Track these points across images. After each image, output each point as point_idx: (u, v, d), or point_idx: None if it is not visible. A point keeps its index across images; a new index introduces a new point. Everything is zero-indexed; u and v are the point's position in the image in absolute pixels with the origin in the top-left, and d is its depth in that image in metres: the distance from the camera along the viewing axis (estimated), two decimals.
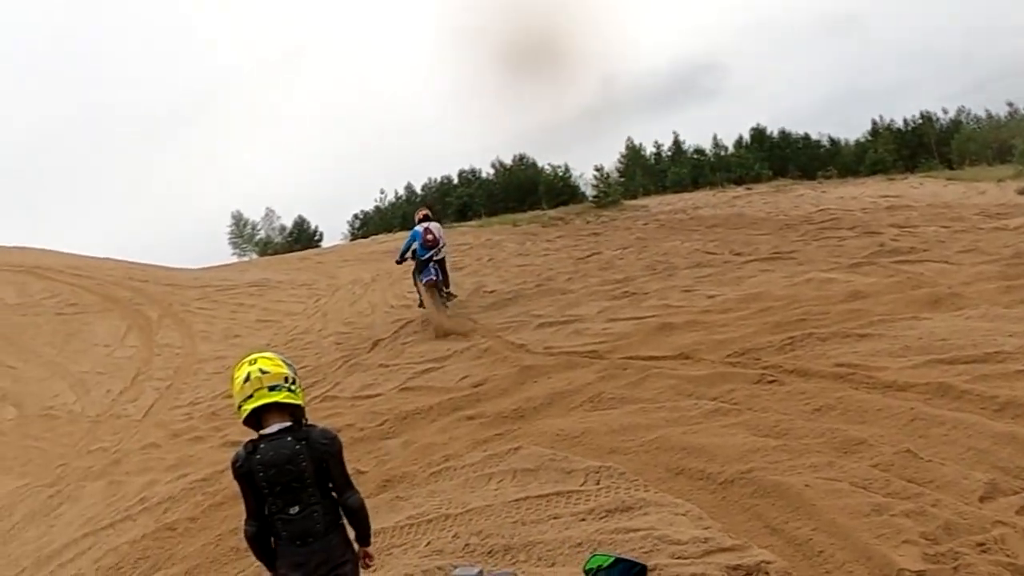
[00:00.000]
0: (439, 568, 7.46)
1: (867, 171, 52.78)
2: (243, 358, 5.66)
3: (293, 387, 5.51)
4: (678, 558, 6.62)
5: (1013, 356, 9.98)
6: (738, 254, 21.09)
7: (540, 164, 67.91)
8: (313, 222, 75.48)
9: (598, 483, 8.69)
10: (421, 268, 19.49)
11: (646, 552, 6.84)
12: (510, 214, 45.12)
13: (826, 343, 11.87)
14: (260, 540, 5.56)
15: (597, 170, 47.94)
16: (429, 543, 8.29)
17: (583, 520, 7.88)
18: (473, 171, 70.55)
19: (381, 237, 31.94)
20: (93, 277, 34.73)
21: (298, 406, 5.56)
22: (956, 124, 68.12)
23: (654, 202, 42.40)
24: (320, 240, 70.65)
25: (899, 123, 68.92)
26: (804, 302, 14.43)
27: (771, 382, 10.81)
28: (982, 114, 69.30)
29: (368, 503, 9.06)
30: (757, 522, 7.48)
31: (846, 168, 56.28)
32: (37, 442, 19.25)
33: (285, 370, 5.52)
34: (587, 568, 2.89)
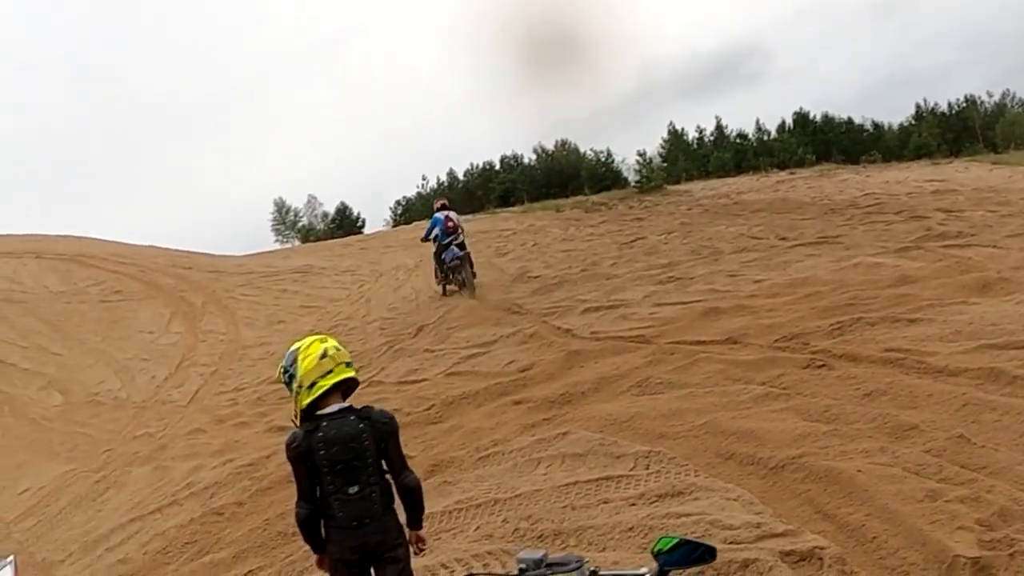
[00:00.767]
0: (489, 553, 7.46)
1: (911, 155, 52.17)
2: (305, 339, 5.62)
3: (353, 364, 5.56)
4: (731, 543, 6.59)
5: None
6: (783, 239, 20.95)
7: (582, 150, 68.06)
8: (355, 208, 75.70)
9: (648, 468, 8.66)
10: (443, 250, 21.95)
11: (698, 537, 6.81)
12: (552, 199, 44.93)
13: (875, 328, 11.77)
14: (313, 523, 5.52)
15: (640, 155, 47.85)
16: (478, 528, 8.29)
17: (633, 505, 7.86)
18: (515, 157, 70.65)
19: (424, 223, 32.05)
20: (137, 264, 34.95)
21: (351, 389, 5.59)
22: (1001, 108, 67.32)
23: (697, 187, 42.20)
24: (362, 227, 70.61)
25: (943, 107, 68.63)
26: (852, 287, 14.32)
27: (820, 367, 10.74)
28: None
29: None
30: (809, 507, 7.43)
31: (890, 152, 55.78)
32: (83, 428, 19.42)
33: (345, 348, 5.59)
34: (654, 550, 2.84)
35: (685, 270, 18.76)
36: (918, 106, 69.45)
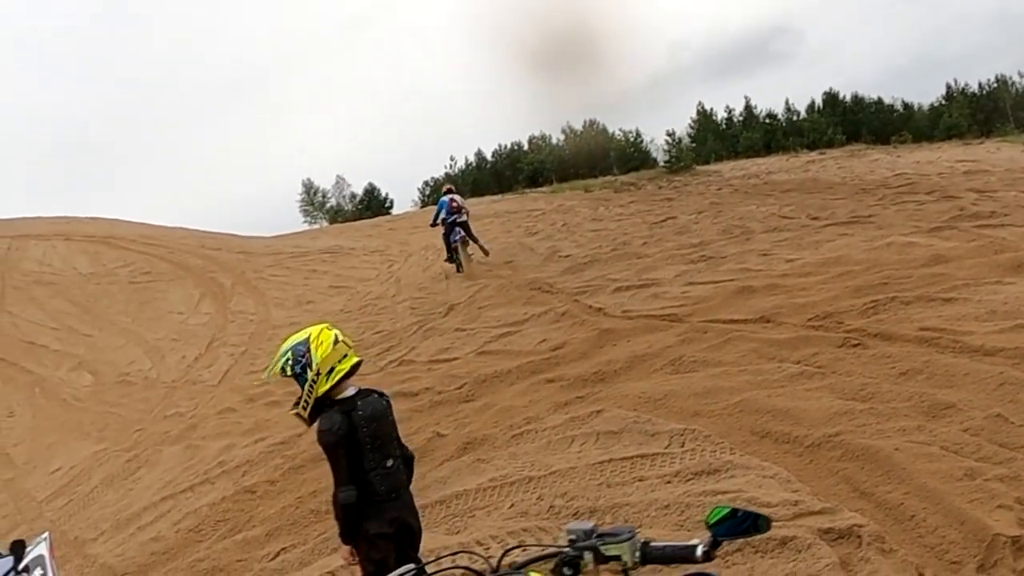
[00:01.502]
0: (524, 530, 7.46)
1: (942, 136, 51.68)
2: (308, 330, 5.75)
3: None
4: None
5: None
6: (815, 218, 20.82)
7: (611, 130, 67.86)
8: (383, 189, 75.60)
9: (682, 446, 8.65)
10: (450, 230, 24.04)
11: None
12: (581, 180, 44.81)
13: (909, 307, 11.68)
14: (359, 506, 5.60)
15: (669, 135, 47.58)
16: (513, 505, 8.30)
17: (669, 483, 7.85)
18: (543, 137, 70.47)
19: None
20: (165, 246, 35.14)
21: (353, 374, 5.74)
22: None
23: (726, 167, 42.01)
24: (391, 207, 70.35)
25: (973, 87, 68.05)
26: (885, 266, 14.20)
27: (855, 346, 10.68)
28: None
29: (449, 466, 9.17)
30: (846, 486, 7.41)
31: (920, 133, 55.29)
32: (114, 408, 19.55)
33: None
34: (707, 520, 2.83)
35: (716, 249, 18.67)
36: (948, 86, 68.75)
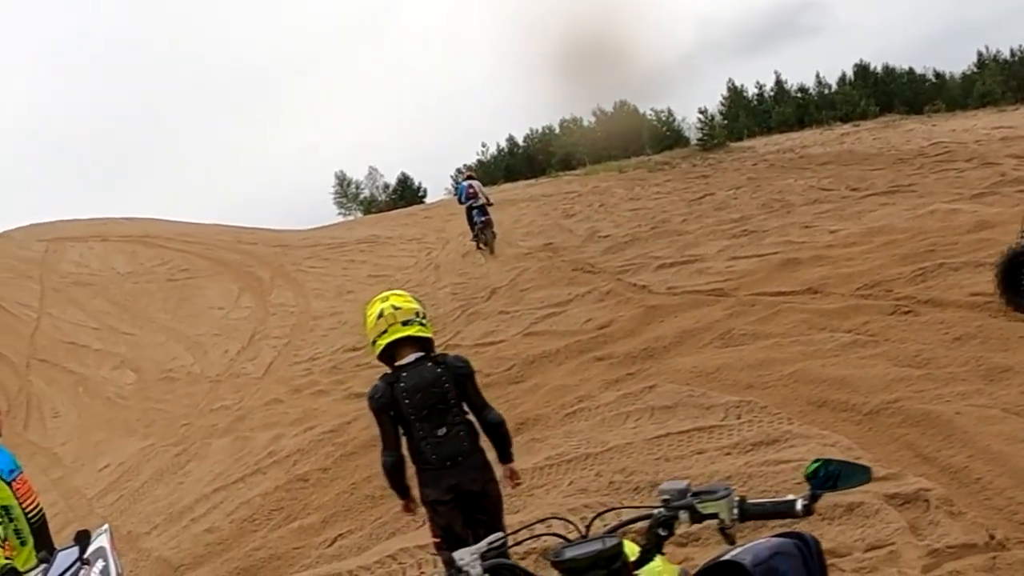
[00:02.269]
0: (585, 506, 7.42)
1: (976, 104, 51.18)
2: (375, 297, 5.84)
3: (424, 321, 5.68)
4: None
5: None
6: (855, 189, 20.70)
7: (642, 110, 67.63)
8: (416, 178, 75.63)
9: (739, 417, 8.60)
10: (471, 213, 25.91)
11: (798, 483, 6.68)
12: (614, 161, 44.61)
13: (958, 273, 11.58)
14: (399, 470, 5.73)
15: (701, 113, 47.33)
16: (571, 482, 8.27)
17: (728, 454, 7.81)
18: (575, 120, 70.28)
19: (487, 190, 32.03)
20: (202, 242, 35.28)
21: (429, 339, 5.72)
22: None
23: (760, 143, 41.79)
24: (424, 196, 70.27)
25: (1005, 54, 67.41)
26: (930, 233, 14.09)
27: (906, 313, 10.62)
28: None
29: None
30: (908, 451, 7.33)
31: (953, 102, 54.77)
32: (159, 404, 19.66)
33: (416, 305, 5.71)
34: (806, 473, 2.78)
35: (758, 223, 18.59)
36: (979, 54, 68.08)
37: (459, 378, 5.64)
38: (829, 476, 2.84)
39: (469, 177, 28.50)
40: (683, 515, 2.83)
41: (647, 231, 20.85)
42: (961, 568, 5.46)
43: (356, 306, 22.79)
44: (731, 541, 2.87)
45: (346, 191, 76.34)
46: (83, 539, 5.12)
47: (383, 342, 5.58)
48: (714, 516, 2.80)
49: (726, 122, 58.04)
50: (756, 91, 68.64)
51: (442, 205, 46.06)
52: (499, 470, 5.86)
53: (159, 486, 14.17)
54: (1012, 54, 66.59)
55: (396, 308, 5.58)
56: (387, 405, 5.57)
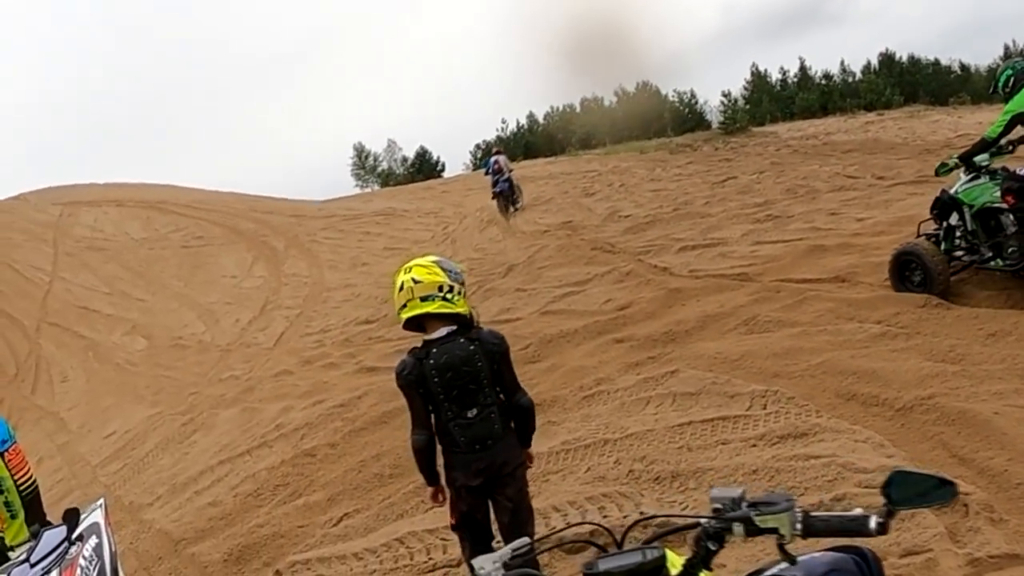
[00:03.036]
0: (604, 495, 7.12)
1: (1002, 98, 50.83)
2: (402, 265, 5.51)
3: (449, 295, 5.27)
4: (866, 487, 6.20)
5: None
6: (881, 178, 20.28)
7: (663, 91, 67.29)
8: (435, 153, 75.54)
9: (764, 407, 8.28)
10: (494, 185, 28.01)
11: (830, 480, 6.45)
12: (635, 141, 44.30)
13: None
14: (430, 451, 5.44)
15: (724, 96, 47.04)
16: (589, 469, 7.96)
17: (754, 446, 7.49)
18: (596, 99, 70.08)
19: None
20: (217, 210, 35.21)
21: (455, 315, 5.33)
22: None
23: (783, 128, 41.41)
24: (442, 171, 70.24)
25: None
26: None
27: (937, 306, 10.26)
28: None
29: None
30: (943, 451, 7.03)
31: (978, 95, 54.36)
32: (168, 371, 19.50)
33: (440, 278, 5.28)
34: (884, 488, 2.49)
35: (782, 208, 18.22)
36: (1006, 47, 67.91)
37: (493, 356, 5.32)
38: (908, 490, 2.55)
39: (498, 152, 30.62)
40: (737, 528, 2.53)
41: (669, 212, 20.50)
42: None
43: (370, 278, 22.71)
44: (792, 561, 2.58)
45: (364, 163, 76.45)
46: (72, 518, 4.86)
47: (403, 316, 5.31)
48: (772, 531, 2.50)
49: (748, 106, 57.70)
50: (780, 76, 68.43)
51: (460, 180, 45.92)
52: None
53: (164, 456, 13.93)
54: None
55: (416, 282, 5.23)
56: (416, 382, 5.27)
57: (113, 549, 5.44)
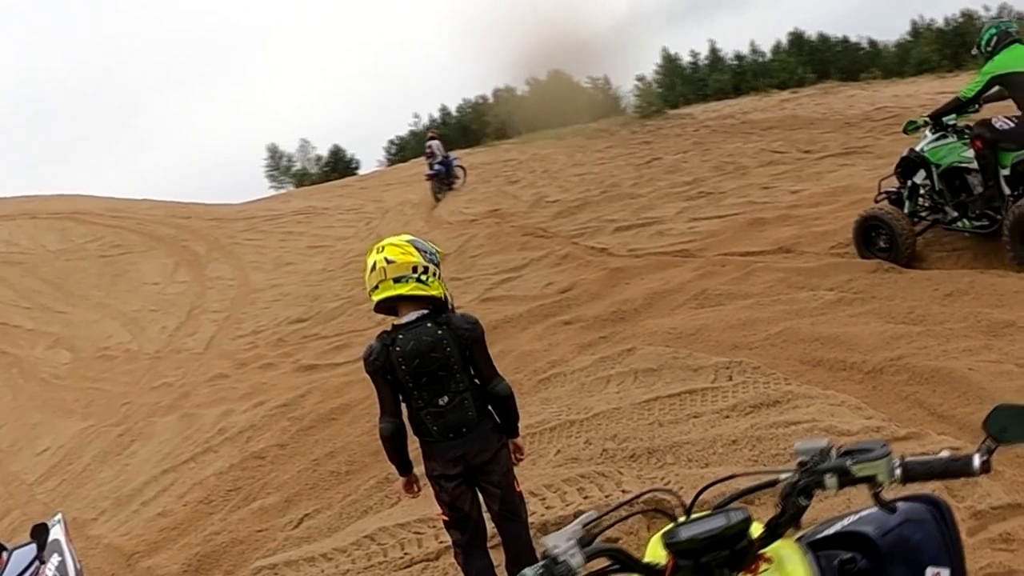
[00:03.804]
0: (582, 476, 6.89)
1: (912, 71, 51.49)
2: (374, 244, 5.20)
3: (423, 277, 4.97)
4: None
5: None
6: (807, 152, 20.31)
7: (575, 78, 67.57)
8: (349, 150, 75.27)
9: (730, 379, 8.15)
10: (430, 168, 29.62)
11: None
12: (551, 129, 44.22)
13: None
14: (399, 439, 5.12)
15: (639, 80, 47.14)
16: (559, 451, 7.74)
17: (727, 417, 7.33)
18: (508, 89, 70.22)
19: (423, 160, 31.91)
20: (134, 218, 34.56)
21: (429, 297, 5.02)
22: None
23: (698, 110, 41.46)
24: (357, 168, 70.03)
25: (939, 22, 68.16)
26: None
27: (889, 270, 10.23)
28: None
29: None
30: (920, 410, 6.98)
31: (889, 70, 55.12)
32: (97, 383, 18.97)
33: (414, 259, 4.98)
34: (986, 423, 2.30)
35: (713, 185, 18.17)
36: (914, 22, 69.07)
37: (464, 341, 4.99)
38: (1012, 425, 2.36)
39: (431, 137, 31.51)
40: (830, 480, 2.32)
41: (597, 195, 20.36)
42: (1011, 529, 5.07)
43: (297, 277, 22.39)
44: (892, 509, 2.39)
45: (278, 164, 75.77)
46: (40, 534, 4.58)
47: (375, 297, 4.99)
48: (869, 479, 2.30)
49: (661, 90, 57.93)
50: (691, 60, 68.85)
51: (376, 176, 45.61)
52: None
53: (103, 469, 13.49)
54: (946, 23, 67.55)
55: (389, 262, 4.90)
56: (383, 368, 4.96)
57: (78, 567, 5.16)
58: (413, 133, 71.07)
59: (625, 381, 8.90)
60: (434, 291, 5.02)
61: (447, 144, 34.00)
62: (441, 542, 6.59)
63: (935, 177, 10.28)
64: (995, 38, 9.94)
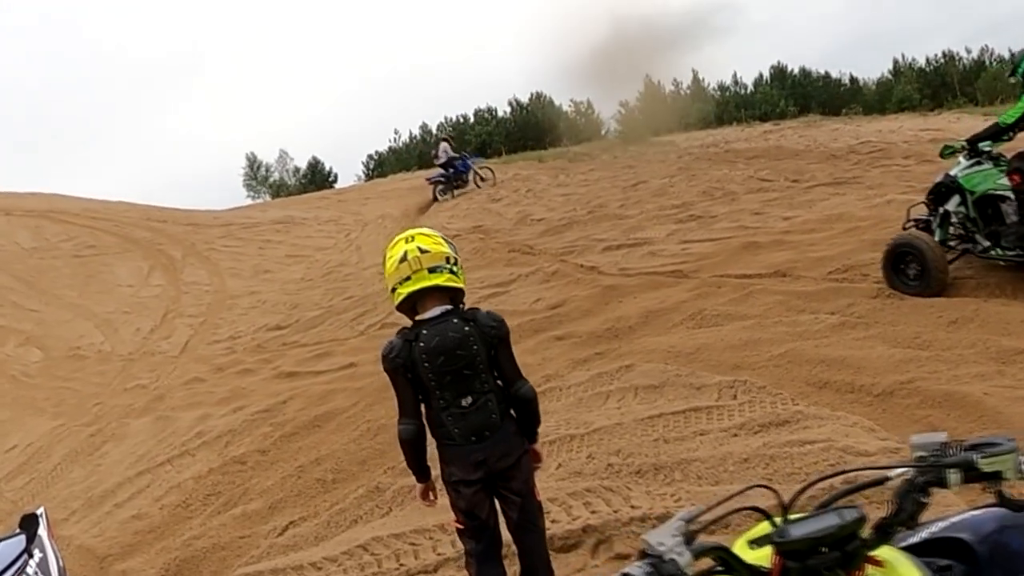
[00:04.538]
0: (588, 490, 6.67)
1: (893, 108, 52.07)
2: (399, 235, 4.94)
3: (455, 268, 4.78)
4: (871, 470, 5.89)
5: None
6: (795, 181, 20.25)
7: (557, 102, 67.76)
8: (327, 163, 75.19)
9: (735, 397, 8.01)
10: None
11: (831, 465, 6.13)
12: (532, 151, 44.26)
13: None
14: (420, 442, 4.82)
15: (622, 106, 47.23)
16: (560, 465, 7.53)
17: (735, 436, 7.17)
18: (489, 109, 70.23)
19: (401, 175, 31.61)
20: (110, 219, 34.22)
21: (459, 290, 4.85)
22: (979, 64, 67.60)
23: (680, 138, 41.40)
24: (335, 181, 69.80)
25: (921, 62, 68.88)
26: (893, 222, 13.56)
27: (890, 296, 10.15)
28: (1005, 54, 68.95)
29: None
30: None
31: (869, 106, 55.63)
32: (68, 383, 18.65)
33: (446, 249, 4.79)
34: None
35: (703, 209, 18.07)
36: (895, 61, 69.88)
37: (489, 340, 4.75)
38: None
39: (441, 140, 34.22)
40: (953, 476, 2.15)
41: (584, 215, 20.25)
42: None
43: (275, 285, 22.15)
44: (1019, 507, 2.21)
45: (256, 174, 75.53)
46: (30, 525, 4.34)
47: (405, 291, 4.70)
48: (995, 476, 2.13)
49: (640, 118, 58.08)
50: (673, 88, 69.15)
51: (355, 190, 45.39)
52: None
53: (74, 468, 13.15)
54: (928, 63, 68.28)
55: (423, 251, 4.67)
56: (404, 366, 4.68)
57: (61, 564, 4.90)
58: (392, 150, 71.06)
59: (625, 397, 8.73)
60: (463, 283, 4.85)
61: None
62: (439, 554, 6.38)
63: (969, 204, 10.03)
64: None
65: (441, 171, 31.39)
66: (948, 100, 56.33)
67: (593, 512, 6.28)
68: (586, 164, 33.49)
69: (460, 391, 4.73)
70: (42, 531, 4.80)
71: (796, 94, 62.76)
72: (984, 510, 2.52)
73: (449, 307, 4.78)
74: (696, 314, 11.05)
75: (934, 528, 2.52)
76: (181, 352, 18.56)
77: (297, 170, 75.12)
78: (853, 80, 69.50)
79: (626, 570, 2.04)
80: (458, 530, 5.03)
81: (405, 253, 4.71)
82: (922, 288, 9.96)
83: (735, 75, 70.97)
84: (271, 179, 75.21)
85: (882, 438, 6.55)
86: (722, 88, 67.53)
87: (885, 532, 2.21)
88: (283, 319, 18.29)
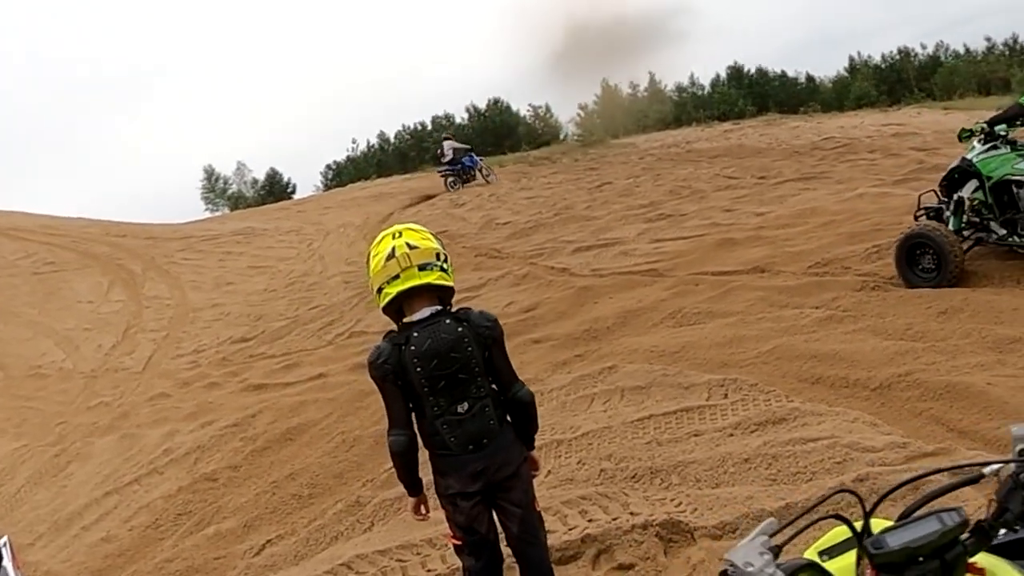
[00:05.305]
0: (583, 498, 6.32)
1: (852, 105, 52.22)
2: (384, 231, 4.60)
3: (445, 265, 4.47)
4: (881, 466, 5.66)
5: None
6: (763, 178, 20.16)
7: (515, 107, 67.74)
8: (285, 174, 74.88)
9: (726, 396, 7.74)
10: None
11: (839, 463, 5.87)
12: (491, 156, 44.02)
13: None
14: (413, 454, 4.48)
15: (581, 108, 47.10)
16: (551, 472, 7.19)
17: (731, 435, 6.89)
18: (447, 116, 70.09)
19: (360, 184, 31.35)
20: (68, 235, 33.76)
21: (449, 289, 4.54)
22: (935, 60, 68.07)
23: (640, 139, 41.33)
24: (293, 192, 69.46)
25: (876, 59, 69.35)
26: (868, 214, 13.59)
27: (875, 288, 9.98)
28: (960, 49, 69.43)
29: None
30: (938, 426, 6.66)
31: (827, 104, 55.82)
32: (29, 402, 18.20)
33: (435, 245, 4.48)
34: None
35: (672, 208, 17.91)
36: (851, 58, 70.33)
37: (484, 341, 4.43)
38: None
39: (444, 139, 34.70)
40: None
41: (551, 217, 20.03)
42: None
43: (238, 297, 21.79)
44: None
45: (214, 186, 74.96)
46: None
47: (393, 290, 4.35)
48: None
49: (599, 121, 58.00)
50: (630, 91, 69.14)
51: (314, 200, 45.01)
52: None
53: (39, 490, 12.75)
54: (883, 60, 68.73)
55: (412, 247, 4.34)
56: (393, 372, 4.33)
57: None
58: (350, 159, 70.77)
59: (611, 399, 8.44)
60: (453, 281, 4.56)
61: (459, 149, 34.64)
62: (429, 570, 6.04)
63: (985, 190, 9.77)
64: None
65: (449, 166, 32.39)
66: (906, 96, 56.50)
67: (590, 520, 5.97)
68: (547, 168, 33.36)
69: (455, 397, 4.40)
70: (6, 561, 4.49)
71: (754, 93, 63.01)
72: None
73: (439, 307, 4.47)
74: (676, 312, 10.83)
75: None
76: (144, 368, 18.17)
77: (255, 182, 74.67)
78: (810, 79, 69.93)
79: None
80: (455, 547, 4.69)
81: (393, 249, 4.38)
82: (938, 280, 9.69)
83: (692, 76, 71.28)
84: (229, 191, 74.68)
85: (886, 433, 6.31)
86: (680, 89, 67.75)
87: (986, 536, 1.93)
88: (248, 331, 17.95)
